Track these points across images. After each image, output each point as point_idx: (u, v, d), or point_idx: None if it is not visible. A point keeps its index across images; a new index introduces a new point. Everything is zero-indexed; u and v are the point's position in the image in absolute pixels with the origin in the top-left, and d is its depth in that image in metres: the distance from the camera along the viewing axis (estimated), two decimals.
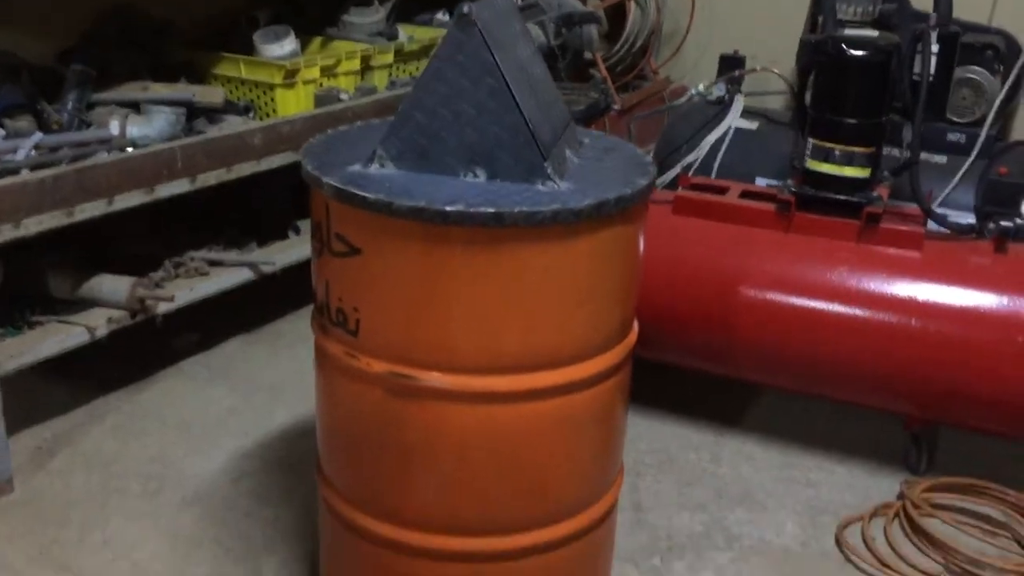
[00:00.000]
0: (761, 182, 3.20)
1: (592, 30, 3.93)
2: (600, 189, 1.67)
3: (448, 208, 1.57)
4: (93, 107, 2.88)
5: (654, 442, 2.80)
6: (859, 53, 2.56)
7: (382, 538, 1.83)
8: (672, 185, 3.20)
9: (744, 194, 2.82)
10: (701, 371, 2.83)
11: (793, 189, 2.67)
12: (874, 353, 2.53)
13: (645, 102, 4.15)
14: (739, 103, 3.38)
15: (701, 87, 3.32)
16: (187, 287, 2.87)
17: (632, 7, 4.37)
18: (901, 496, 2.54)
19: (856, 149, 2.58)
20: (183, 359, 3.13)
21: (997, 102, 3.14)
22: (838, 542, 2.41)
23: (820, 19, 3.22)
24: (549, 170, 1.68)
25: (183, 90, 2.99)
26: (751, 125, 3.40)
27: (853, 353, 2.55)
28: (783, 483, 2.65)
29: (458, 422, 1.73)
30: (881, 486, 2.64)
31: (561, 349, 1.72)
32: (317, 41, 3.56)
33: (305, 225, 3.20)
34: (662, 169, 3.31)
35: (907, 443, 2.71)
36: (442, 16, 3.95)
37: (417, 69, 3.63)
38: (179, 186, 2.68)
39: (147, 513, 2.41)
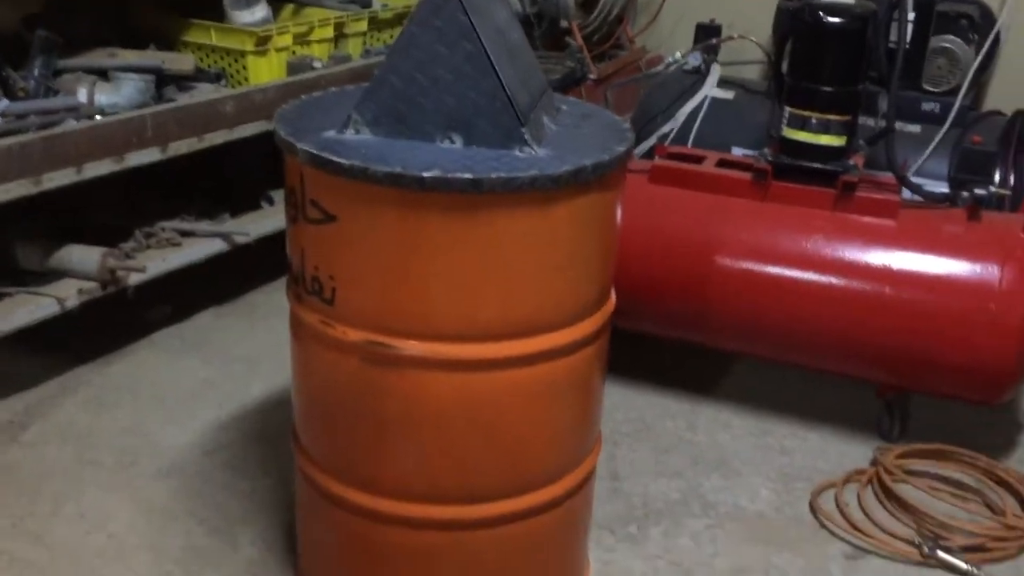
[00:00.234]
0: (737, 152, 3.19)
1: None
2: (578, 155, 1.66)
3: (425, 174, 1.55)
4: (60, 74, 2.83)
5: (631, 411, 2.81)
6: (836, 20, 2.55)
7: (359, 507, 1.83)
8: (649, 155, 3.19)
9: (721, 163, 2.82)
10: (677, 340, 2.84)
11: (769, 158, 2.67)
12: (849, 321, 2.54)
13: (621, 71, 4.12)
14: (715, 73, 3.37)
15: (678, 55, 3.30)
16: (159, 258, 2.84)
17: None
18: (874, 462, 2.56)
19: (832, 117, 2.58)
20: (156, 331, 3.10)
21: (971, 71, 3.15)
22: (812, 508, 2.43)
23: None
24: (527, 136, 1.66)
25: (152, 57, 2.94)
26: (727, 95, 3.40)
27: (828, 321, 2.56)
28: (758, 450, 2.67)
29: (435, 390, 1.72)
30: (854, 453, 2.66)
31: (539, 317, 1.72)
32: (289, 8, 3.52)
33: (279, 195, 3.17)
34: (638, 139, 3.29)
35: (880, 411, 2.73)
36: None
37: (391, 37, 3.59)
38: (149, 155, 2.64)
39: (122, 485, 2.39)
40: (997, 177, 2.94)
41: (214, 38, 3.14)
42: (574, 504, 1.96)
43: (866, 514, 2.41)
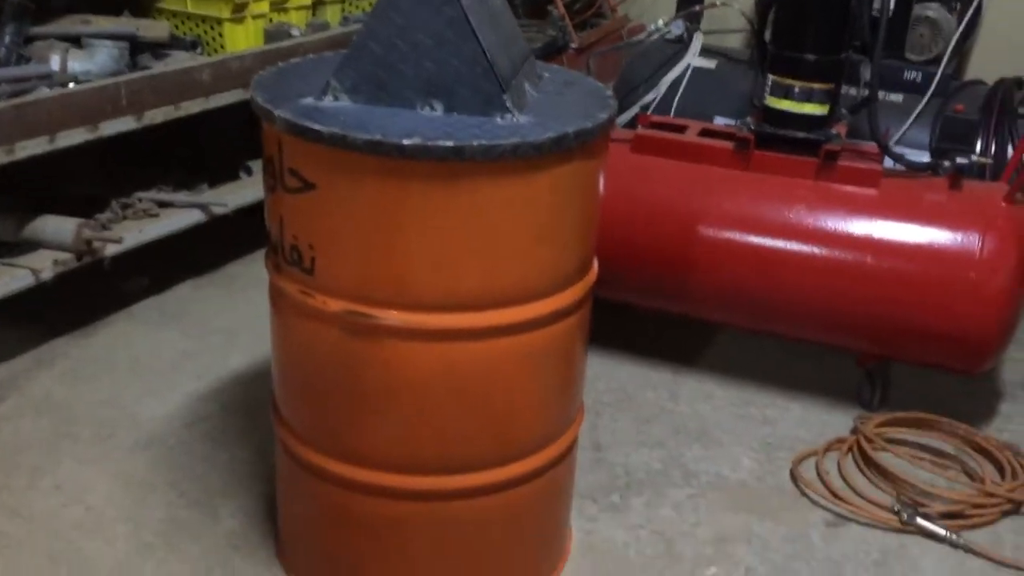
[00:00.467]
0: (720, 121, 3.18)
1: None
2: (560, 123, 1.64)
3: (405, 142, 1.52)
4: (31, 41, 2.77)
5: (612, 381, 2.80)
6: None
7: (339, 478, 1.82)
8: (631, 124, 3.17)
9: (703, 132, 2.80)
10: (659, 310, 2.84)
11: (752, 127, 2.66)
12: (831, 290, 2.54)
13: (603, 40, 4.09)
14: (698, 41, 3.35)
15: (660, 23, 3.27)
16: (135, 229, 2.79)
17: None
18: (855, 431, 2.57)
19: (815, 85, 2.56)
20: (134, 303, 3.06)
21: (953, 40, 3.14)
22: (793, 476, 2.44)
23: None
24: (508, 103, 1.64)
25: (126, 24, 2.88)
26: (709, 64, 3.38)
27: (810, 290, 2.56)
28: (739, 420, 2.67)
29: (416, 361, 1.70)
30: (835, 422, 2.67)
31: (521, 286, 1.70)
32: None
33: (257, 165, 3.13)
34: (620, 108, 3.27)
35: (860, 380, 2.74)
36: None
37: (370, 5, 3.54)
38: (124, 123, 2.59)
39: (99, 457, 2.37)
40: (979, 146, 2.94)
41: (189, 5, 3.09)
42: (556, 474, 1.96)
43: (846, 482, 2.42)
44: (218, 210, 2.99)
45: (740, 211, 2.61)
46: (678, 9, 3.44)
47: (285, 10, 3.22)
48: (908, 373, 2.78)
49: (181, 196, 2.99)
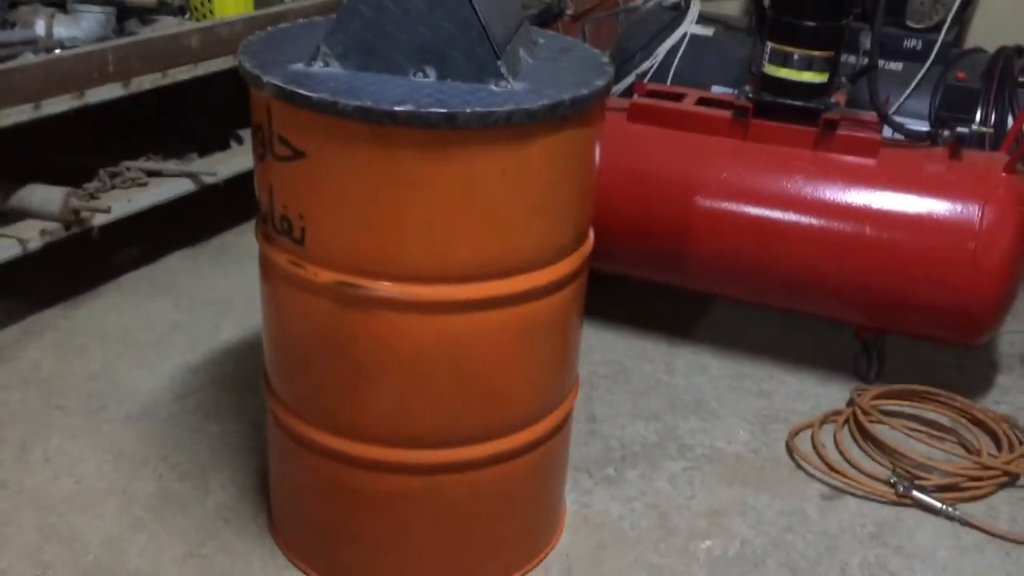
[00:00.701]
0: (717, 90, 3.14)
1: None
2: (556, 89, 1.60)
3: (397, 108, 1.49)
4: (16, 6, 2.71)
5: (608, 353, 2.78)
6: None
7: (332, 451, 1.80)
8: (627, 93, 3.12)
9: (701, 101, 2.76)
10: (655, 282, 2.81)
11: (750, 95, 2.62)
12: (829, 262, 2.52)
13: (599, 7, 4.02)
14: (695, 8, 3.30)
15: None
16: (124, 198, 2.75)
17: None
18: (851, 403, 2.56)
19: (815, 53, 2.52)
20: (123, 273, 3.03)
21: (954, 7, 3.10)
22: (788, 448, 2.43)
23: None
24: (502, 69, 1.60)
25: None
26: (707, 31, 3.33)
27: (808, 262, 2.54)
28: (735, 392, 2.66)
29: (410, 333, 1.68)
30: (831, 394, 2.66)
31: (516, 257, 1.67)
32: None
33: (247, 134, 3.08)
34: (617, 77, 3.22)
35: (857, 352, 2.72)
36: None
37: None
38: (111, 91, 2.54)
39: (90, 430, 2.34)
40: (979, 115, 2.91)
41: None
42: (551, 447, 1.94)
43: (842, 454, 2.40)
44: (208, 179, 2.95)
45: (738, 181, 2.58)
46: None
47: None
48: (905, 345, 2.77)
49: (170, 165, 2.95)
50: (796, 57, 2.53)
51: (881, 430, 2.43)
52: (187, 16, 2.98)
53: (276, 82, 1.56)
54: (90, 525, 2.06)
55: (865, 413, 2.48)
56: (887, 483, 2.28)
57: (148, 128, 3.04)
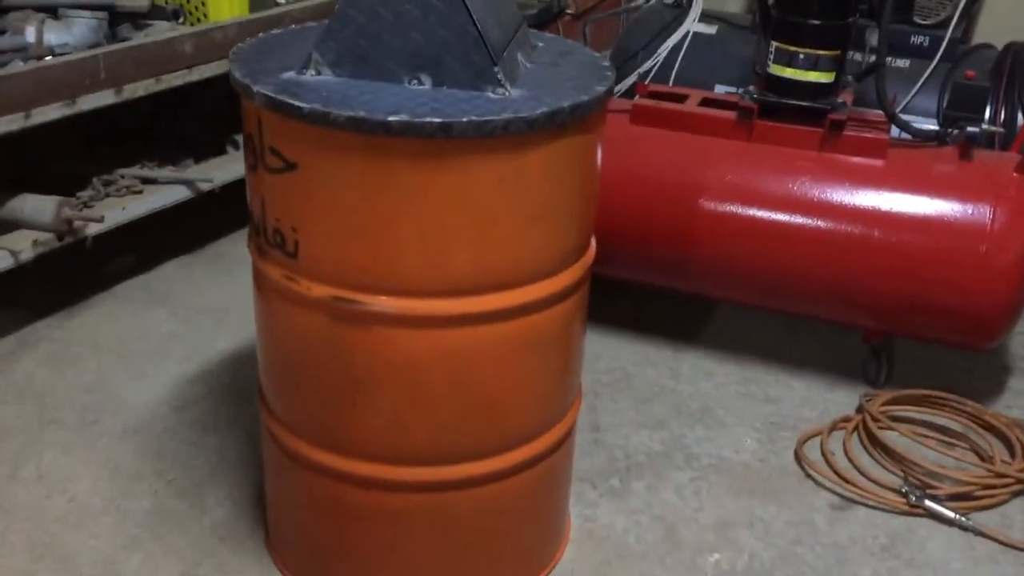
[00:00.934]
0: (720, 89, 3.09)
1: None
2: (555, 96, 1.55)
3: (391, 118, 1.44)
4: (6, 12, 2.66)
5: (611, 360, 2.73)
6: None
7: (329, 469, 1.75)
8: (629, 93, 3.07)
9: (704, 102, 2.71)
10: (659, 286, 2.76)
11: (755, 96, 2.56)
12: (836, 265, 2.47)
13: (600, 6, 3.97)
14: (698, 6, 3.24)
15: None
16: (118, 207, 2.71)
17: None
18: (860, 409, 2.51)
19: (821, 52, 2.46)
20: (119, 282, 2.98)
21: (962, 3, 3.04)
22: (797, 457, 2.38)
23: None
24: (500, 76, 1.55)
25: None
26: (710, 29, 3.28)
27: (815, 265, 2.49)
28: (742, 399, 2.61)
29: (407, 348, 1.63)
30: (840, 400, 2.61)
31: (515, 269, 1.62)
32: None
33: None
34: (618, 77, 3.17)
35: (865, 356, 2.67)
36: None
37: None
38: (103, 98, 2.50)
39: (84, 445, 2.30)
40: (988, 113, 2.85)
41: None
42: (554, 461, 1.89)
43: (852, 463, 2.35)
44: (204, 186, 2.90)
45: (742, 184, 2.53)
46: None
47: None
48: (914, 348, 2.72)
49: (165, 172, 2.90)
50: (801, 57, 2.48)
51: (891, 437, 2.38)
52: (181, 20, 2.93)
53: (266, 92, 1.51)
54: (84, 545, 2.01)
55: (875, 420, 2.43)
56: (898, 492, 2.23)
57: (142, 134, 2.99)
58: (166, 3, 2.97)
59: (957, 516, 2.17)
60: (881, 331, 2.59)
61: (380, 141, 1.46)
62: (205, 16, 2.96)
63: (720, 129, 2.60)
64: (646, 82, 3.00)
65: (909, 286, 2.43)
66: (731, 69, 3.12)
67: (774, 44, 2.52)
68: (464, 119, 1.45)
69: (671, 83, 3.15)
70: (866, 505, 2.23)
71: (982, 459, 2.36)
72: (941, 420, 2.50)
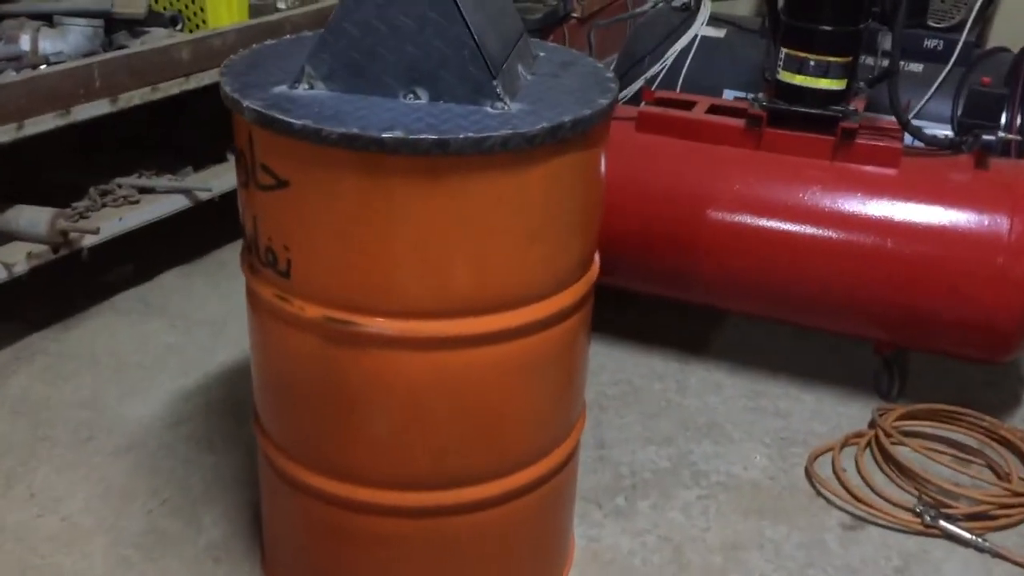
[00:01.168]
0: (729, 95, 3.03)
1: None
2: (556, 110, 1.50)
3: (385, 135, 1.38)
4: (0, 20, 2.61)
5: (617, 373, 2.67)
6: None
7: (326, 494, 1.70)
8: (635, 99, 3.01)
9: (712, 109, 2.65)
10: (665, 297, 2.70)
11: (764, 103, 2.50)
12: (848, 276, 2.41)
13: (607, 9, 3.91)
14: (706, 9, 3.18)
15: None
16: (115, 217, 2.66)
17: None
18: (872, 424, 2.44)
19: (832, 59, 2.40)
20: (116, 293, 2.94)
21: (977, 5, 2.97)
22: (808, 474, 2.32)
23: None
24: (498, 89, 1.49)
25: (101, 0, 2.72)
26: (718, 33, 3.21)
27: (827, 277, 2.42)
28: (751, 413, 2.55)
29: (404, 371, 1.57)
30: (852, 413, 2.54)
31: (516, 288, 1.57)
32: None
33: None
34: (625, 82, 3.11)
35: (878, 368, 2.61)
36: None
37: None
38: (98, 107, 2.45)
39: (78, 463, 2.25)
40: (1004, 121, 2.78)
41: None
42: (557, 483, 1.83)
43: (865, 480, 2.29)
44: (203, 195, 2.86)
45: (751, 193, 2.47)
46: None
47: None
48: (928, 360, 2.65)
49: (163, 181, 2.85)
50: (812, 63, 2.41)
51: (905, 453, 2.32)
52: (179, 26, 2.88)
53: (256, 107, 1.46)
54: (75, 567, 1.97)
55: (887, 435, 2.36)
56: (912, 512, 2.16)
57: (140, 142, 2.94)
58: (164, 10, 2.92)
59: (973, 537, 2.10)
60: (894, 343, 2.53)
61: (374, 158, 1.41)
62: (204, 23, 2.90)
63: (728, 137, 2.53)
64: (653, 88, 2.94)
65: (923, 298, 2.37)
66: (740, 73, 3.06)
67: (784, 50, 2.46)
68: (461, 135, 1.40)
69: (679, 88, 3.09)
70: (879, 525, 2.17)
71: (999, 477, 2.30)
72: (956, 435, 2.43)
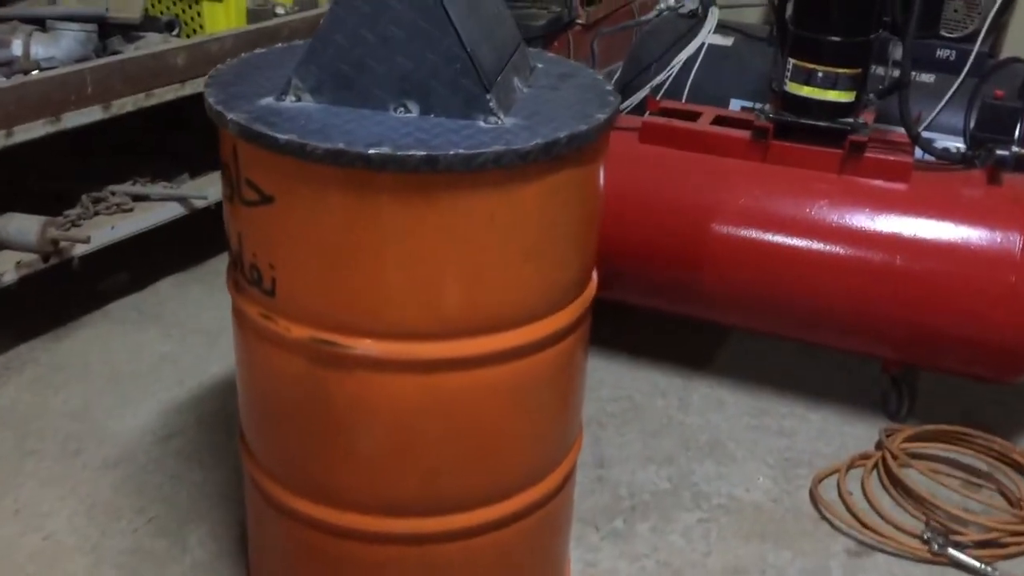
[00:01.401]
0: (736, 104, 2.96)
1: None
2: (551, 125, 1.44)
3: (371, 151, 1.33)
4: None
5: (618, 389, 2.61)
6: None
7: (313, 519, 1.64)
8: (640, 108, 2.95)
9: (717, 120, 2.58)
10: (669, 312, 2.63)
11: (770, 115, 2.44)
12: (856, 293, 2.34)
13: (613, 15, 3.85)
14: (714, 17, 3.11)
15: (671, 1, 3.03)
16: (107, 225, 2.62)
17: None
18: (880, 445, 2.38)
19: (841, 71, 2.34)
20: (111, 302, 2.89)
21: (991, 15, 2.90)
22: (812, 497, 2.25)
23: None
24: (492, 103, 1.44)
25: (95, 3, 2.67)
26: (726, 41, 3.15)
27: (834, 293, 2.36)
28: (754, 431, 2.48)
29: (393, 394, 1.52)
30: (858, 433, 2.48)
31: (509, 309, 1.51)
32: None
33: None
34: (630, 90, 3.05)
35: (886, 387, 2.54)
36: None
37: None
38: (90, 114, 2.40)
39: (64, 477, 2.20)
40: (1018, 135, 2.70)
41: None
42: (553, 507, 1.77)
43: (871, 504, 2.23)
44: (198, 203, 2.81)
45: (757, 206, 2.40)
46: None
47: None
48: (938, 378, 2.58)
49: (158, 188, 2.80)
50: (820, 75, 2.35)
51: (913, 476, 2.26)
52: (176, 31, 2.84)
53: (240, 121, 1.41)
54: None
55: (895, 458, 2.30)
56: (920, 538, 2.10)
57: (135, 148, 2.89)
58: (161, 15, 2.87)
59: (983, 565, 2.04)
60: (902, 362, 2.46)
61: (361, 175, 1.35)
62: (201, 27, 2.86)
63: (734, 149, 2.47)
64: (659, 96, 2.88)
65: (933, 317, 2.30)
66: (748, 82, 2.99)
67: (791, 61, 2.39)
68: (451, 152, 1.34)
69: (685, 97, 3.03)
70: (885, 552, 2.10)
71: (1010, 503, 2.23)
72: (966, 458, 2.37)
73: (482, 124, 1.44)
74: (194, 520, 2.09)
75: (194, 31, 2.87)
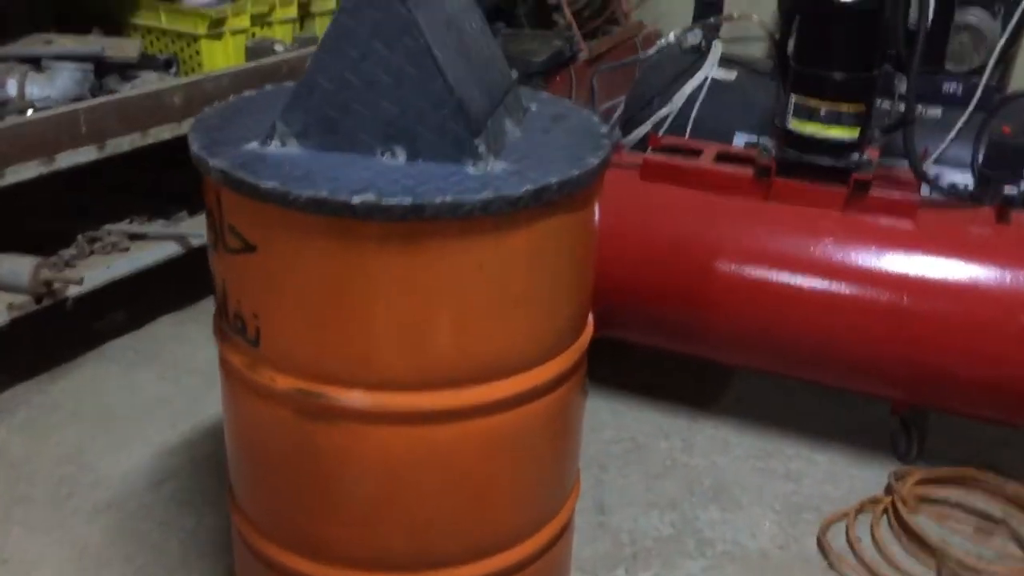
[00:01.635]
0: (740, 139, 2.93)
1: None
2: (542, 170, 1.40)
3: (355, 199, 1.29)
4: None
5: (621, 430, 2.56)
6: None
7: (299, 574, 1.59)
8: (644, 144, 2.91)
9: (720, 156, 2.54)
10: (672, 351, 2.58)
11: (773, 152, 2.40)
12: (862, 333, 2.28)
13: (615, 50, 3.83)
14: (717, 51, 3.08)
15: (672, 36, 3.00)
16: (103, 265, 2.59)
17: None
18: (889, 490, 2.32)
19: (844, 107, 2.29)
20: (107, 341, 2.86)
21: (998, 48, 2.86)
22: (820, 544, 2.19)
23: None
24: (480, 148, 1.40)
25: (92, 43, 2.66)
26: (729, 75, 3.11)
27: (839, 333, 2.30)
28: (760, 475, 2.42)
29: (381, 447, 1.47)
30: (867, 476, 2.41)
31: (500, 358, 1.47)
32: None
33: None
34: (633, 125, 3.02)
35: (895, 428, 2.48)
36: None
37: None
38: (85, 154, 2.38)
39: (53, 525, 2.16)
40: None
41: (164, 20, 2.87)
42: (550, 558, 1.72)
43: (880, 551, 2.16)
44: (195, 241, 2.77)
45: (760, 245, 2.36)
46: (695, 18, 3.17)
47: (269, 24, 3.00)
48: (948, 418, 2.51)
49: (155, 227, 2.78)
50: (823, 112, 2.31)
51: (923, 522, 2.19)
52: (173, 70, 2.82)
53: (222, 167, 1.38)
54: None
55: (905, 503, 2.23)
56: None
57: (132, 187, 2.87)
58: (159, 53, 2.86)
59: None
60: (910, 403, 2.40)
61: (344, 223, 1.32)
62: (200, 66, 2.85)
63: (736, 187, 2.43)
64: (661, 131, 2.85)
65: (942, 358, 2.24)
66: (752, 116, 2.96)
67: (793, 97, 2.36)
68: (438, 200, 1.30)
69: (688, 132, 2.99)
70: None
71: None
72: (979, 503, 2.30)
73: (470, 170, 1.40)
74: (183, 569, 2.04)
75: (192, 69, 2.86)
